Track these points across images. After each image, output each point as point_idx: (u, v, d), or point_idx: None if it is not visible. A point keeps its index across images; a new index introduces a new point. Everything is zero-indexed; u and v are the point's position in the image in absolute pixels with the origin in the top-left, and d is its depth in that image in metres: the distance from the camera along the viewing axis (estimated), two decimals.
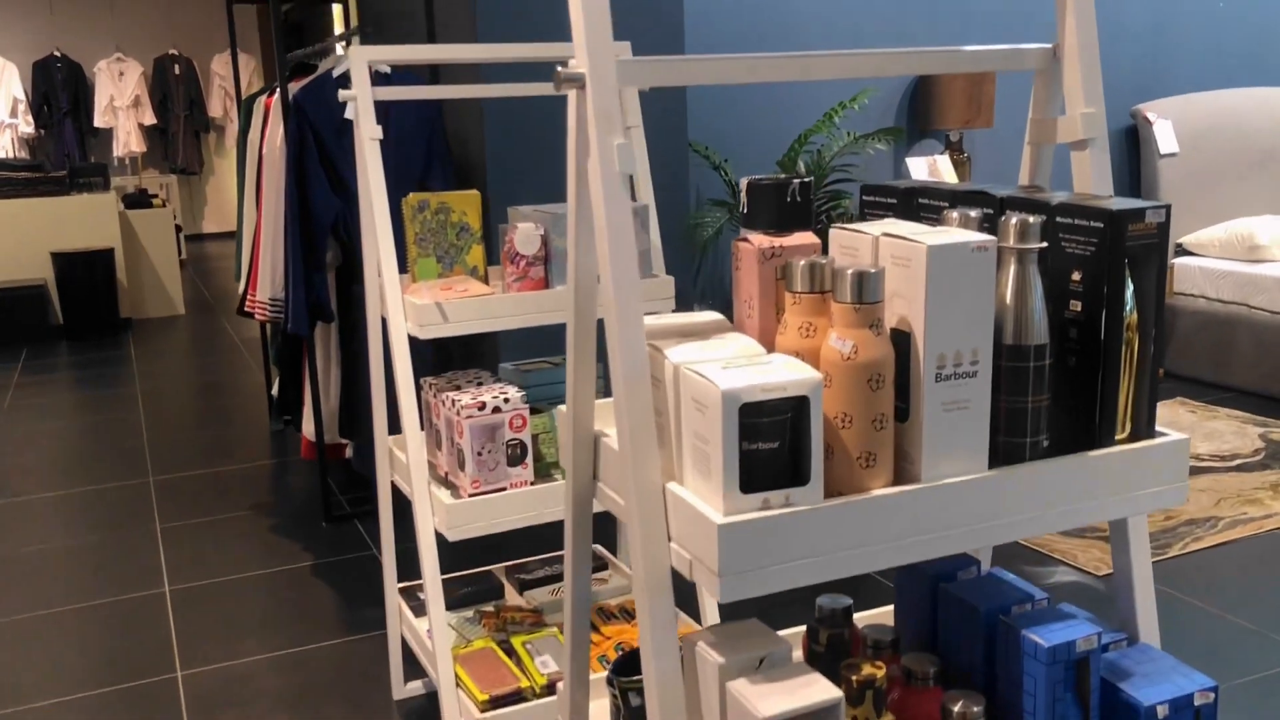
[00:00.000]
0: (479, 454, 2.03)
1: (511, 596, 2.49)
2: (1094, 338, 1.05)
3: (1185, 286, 4.64)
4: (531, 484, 2.08)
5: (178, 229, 8.06)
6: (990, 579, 1.14)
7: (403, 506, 2.79)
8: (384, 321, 2.21)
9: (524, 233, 2.12)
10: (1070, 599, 2.72)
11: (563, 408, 2.16)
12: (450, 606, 2.41)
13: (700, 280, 4.17)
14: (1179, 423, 4.05)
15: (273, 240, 3.36)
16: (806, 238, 1.11)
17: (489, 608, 2.41)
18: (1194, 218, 4.83)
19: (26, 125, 10.45)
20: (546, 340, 3.48)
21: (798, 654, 1.19)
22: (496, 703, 1.99)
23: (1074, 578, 2.85)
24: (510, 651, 2.19)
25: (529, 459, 2.08)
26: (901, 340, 1.01)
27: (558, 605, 2.40)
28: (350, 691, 2.47)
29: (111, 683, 2.53)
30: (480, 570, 2.60)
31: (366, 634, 2.72)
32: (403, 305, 2.12)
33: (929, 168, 4.17)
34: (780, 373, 0.95)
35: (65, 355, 6.19)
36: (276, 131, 3.34)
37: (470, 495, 2.03)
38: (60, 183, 6.79)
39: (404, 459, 2.20)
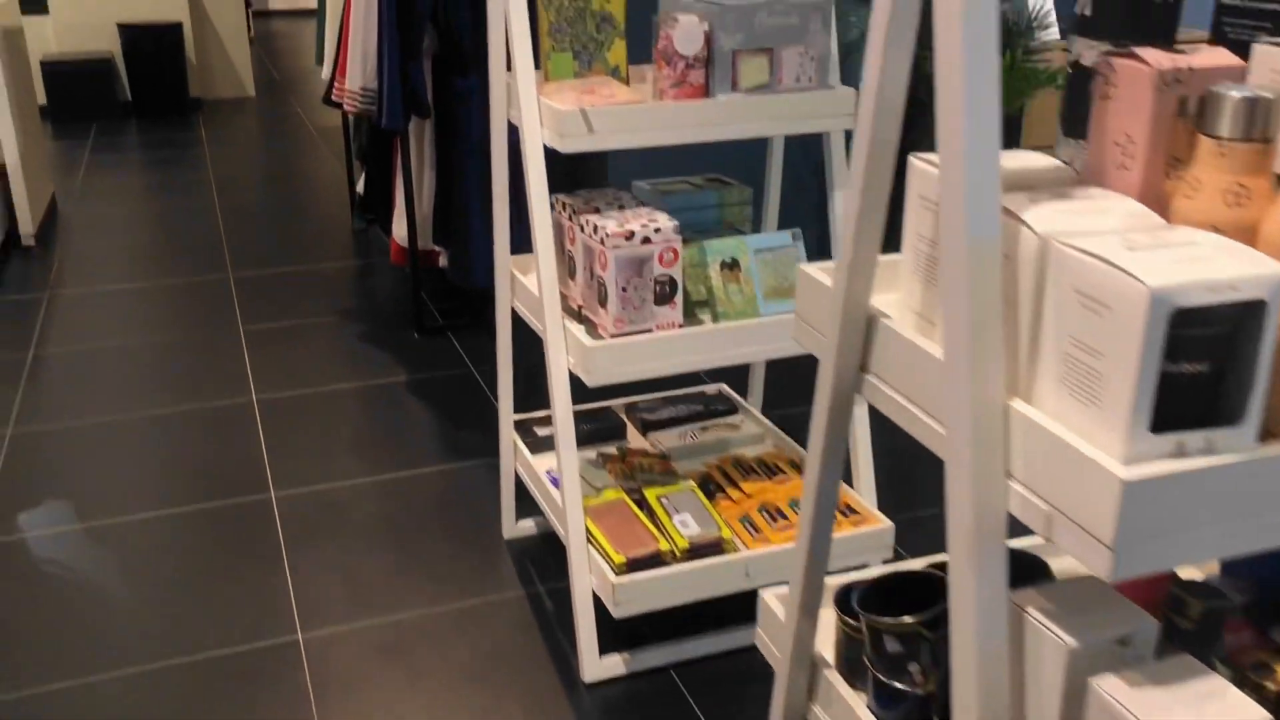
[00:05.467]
0: (624, 290, 1.76)
1: (634, 439, 2.27)
2: None
3: None
4: (680, 326, 1.81)
5: (247, 4, 7.62)
6: None
7: (516, 336, 2.53)
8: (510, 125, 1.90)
9: (685, 28, 1.77)
10: None
11: (713, 242, 1.87)
12: None
13: None
14: None
15: (364, 23, 3.01)
16: (1223, 57, 0.78)
17: (612, 450, 2.19)
18: None
19: None
20: (662, 157, 3.15)
21: None
22: (635, 565, 1.78)
23: None
24: (642, 504, 1.97)
25: (678, 297, 1.80)
26: None
27: (687, 451, 2.18)
28: (456, 526, 2.29)
29: (205, 499, 2.37)
30: (597, 406, 2.36)
31: (468, 461, 2.53)
32: (539, 109, 1.80)
33: None
34: (1224, 264, 0.65)
35: (134, 135, 5.93)
36: None
37: (612, 336, 1.77)
38: None
39: (529, 286, 1.93)
